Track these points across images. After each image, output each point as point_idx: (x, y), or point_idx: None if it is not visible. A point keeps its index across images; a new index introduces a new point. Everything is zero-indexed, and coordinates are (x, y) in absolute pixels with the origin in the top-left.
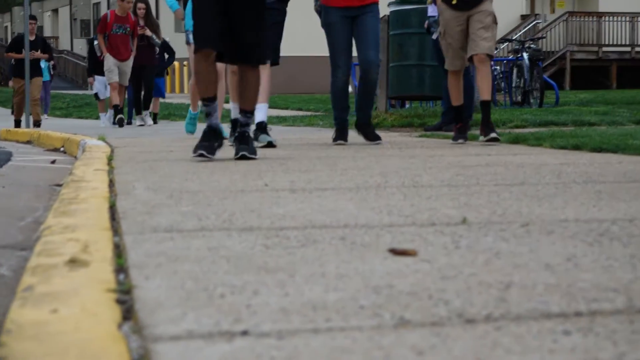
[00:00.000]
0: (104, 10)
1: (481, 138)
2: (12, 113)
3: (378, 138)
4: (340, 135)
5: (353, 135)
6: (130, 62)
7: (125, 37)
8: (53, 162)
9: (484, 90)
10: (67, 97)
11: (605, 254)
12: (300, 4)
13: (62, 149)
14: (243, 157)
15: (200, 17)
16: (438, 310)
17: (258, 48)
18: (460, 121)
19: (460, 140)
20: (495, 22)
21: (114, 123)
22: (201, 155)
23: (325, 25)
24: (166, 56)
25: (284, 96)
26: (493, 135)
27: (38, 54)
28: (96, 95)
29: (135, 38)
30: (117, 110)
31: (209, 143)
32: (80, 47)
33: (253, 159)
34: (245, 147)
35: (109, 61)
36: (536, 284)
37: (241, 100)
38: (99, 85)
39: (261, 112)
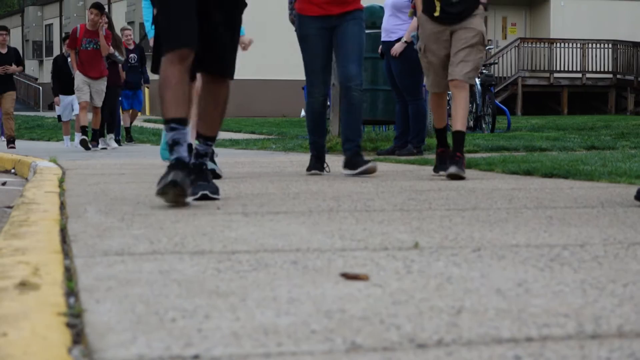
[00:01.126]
0: (56, 31)
1: (441, 172)
2: None
3: (367, 164)
4: (316, 164)
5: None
6: (103, 81)
7: (97, 52)
8: (4, 184)
9: (457, 119)
10: (18, 119)
11: (556, 279)
12: (253, 27)
13: (12, 170)
14: (204, 197)
15: (174, 13)
16: (390, 335)
17: (234, 59)
18: (443, 146)
19: (441, 172)
20: (482, 43)
21: (81, 144)
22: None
23: (299, 38)
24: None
25: (237, 119)
26: (453, 170)
27: (13, 68)
28: (59, 117)
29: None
30: (84, 131)
31: (183, 188)
32: (32, 68)
33: (215, 199)
34: (204, 184)
35: (78, 79)
36: (487, 309)
37: (202, 123)
38: (62, 106)
39: None
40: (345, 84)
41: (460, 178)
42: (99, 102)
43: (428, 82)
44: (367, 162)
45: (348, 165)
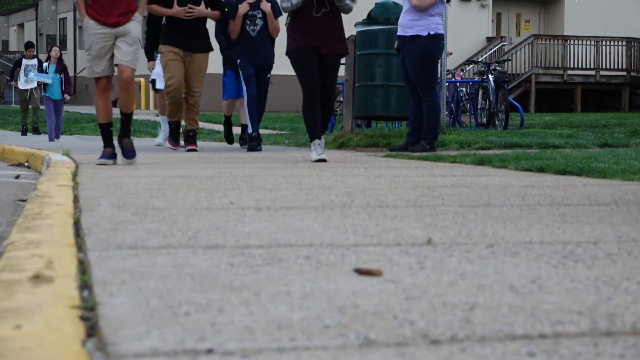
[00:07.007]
0: (70, 25)
1: None
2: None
3: None
4: None
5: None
6: (132, 25)
7: None
8: (17, 177)
9: None
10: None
11: (569, 276)
12: None
13: (26, 164)
14: None
15: None
16: (403, 331)
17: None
18: None
19: None
20: None
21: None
22: None
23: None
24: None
25: None
26: None
27: (202, 10)
28: (153, 82)
29: None
30: (104, 127)
31: None
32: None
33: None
34: None
35: (90, 33)
36: (501, 305)
37: None
38: (157, 72)
39: None
40: None
41: None
42: (129, 61)
43: None
44: None
45: None
